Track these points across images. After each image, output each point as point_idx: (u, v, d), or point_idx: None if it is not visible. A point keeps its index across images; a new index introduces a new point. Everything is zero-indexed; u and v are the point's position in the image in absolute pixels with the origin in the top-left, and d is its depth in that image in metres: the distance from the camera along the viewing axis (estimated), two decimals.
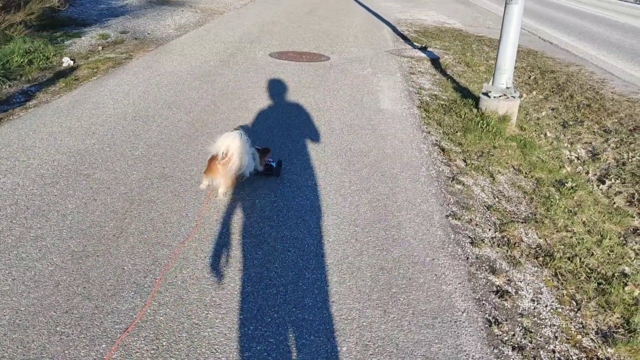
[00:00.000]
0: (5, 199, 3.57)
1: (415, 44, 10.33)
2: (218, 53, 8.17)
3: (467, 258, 3.28)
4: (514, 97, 5.91)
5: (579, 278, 3.27)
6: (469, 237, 3.53)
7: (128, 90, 6.01)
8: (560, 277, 3.26)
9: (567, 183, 4.67)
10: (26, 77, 6.42)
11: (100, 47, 8.19)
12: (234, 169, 3.57)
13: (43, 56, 7.14)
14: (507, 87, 5.93)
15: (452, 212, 3.83)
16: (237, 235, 3.31)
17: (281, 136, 4.99)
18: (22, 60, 6.78)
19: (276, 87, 6.55)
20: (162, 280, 2.83)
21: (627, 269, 3.48)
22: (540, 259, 3.43)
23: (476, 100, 6.24)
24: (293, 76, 7.12)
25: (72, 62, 7.17)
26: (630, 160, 5.39)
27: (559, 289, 3.16)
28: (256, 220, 3.50)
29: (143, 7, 11.75)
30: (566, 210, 4.16)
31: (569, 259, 3.47)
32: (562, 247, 3.62)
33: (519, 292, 3.04)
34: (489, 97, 5.97)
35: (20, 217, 3.36)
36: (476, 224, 3.72)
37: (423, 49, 9.79)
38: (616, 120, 6.46)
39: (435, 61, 8.86)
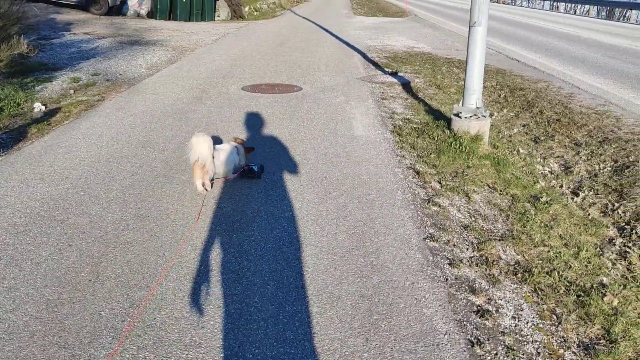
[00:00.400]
0: None
1: (386, 69, 10.49)
2: (191, 90, 8.21)
3: (447, 279, 3.29)
4: (485, 117, 6.01)
5: (558, 292, 3.30)
6: (448, 258, 3.55)
7: (101, 133, 5.99)
8: (539, 292, 3.28)
9: (541, 198, 4.74)
10: None
11: (72, 91, 8.17)
12: (210, 173, 4.35)
13: (14, 103, 7.09)
14: (477, 107, 6.04)
15: (430, 234, 3.85)
16: (215, 272, 3.29)
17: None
18: None
19: (250, 121, 6.58)
20: (141, 322, 2.79)
21: (605, 279, 3.52)
22: (519, 275, 3.45)
23: (448, 122, 6.33)
24: (266, 108, 7.17)
25: (43, 108, 7.13)
26: (601, 171, 5.49)
27: (539, 304, 3.17)
28: (234, 255, 3.48)
29: (114, 48, 11.79)
30: (542, 224, 4.21)
31: (547, 273, 3.50)
32: (540, 262, 3.65)
33: (500, 310, 3.05)
34: (460, 117, 6.06)
35: None
36: (454, 245, 3.74)
37: (394, 74, 9.94)
38: (586, 133, 6.59)
39: (406, 85, 9.00)
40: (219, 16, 21.65)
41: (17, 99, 7.22)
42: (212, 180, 4.50)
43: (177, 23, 18.23)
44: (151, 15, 18.60)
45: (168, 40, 13.59)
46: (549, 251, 3.81)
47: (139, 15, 18.59)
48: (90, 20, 16.21)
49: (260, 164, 4.85)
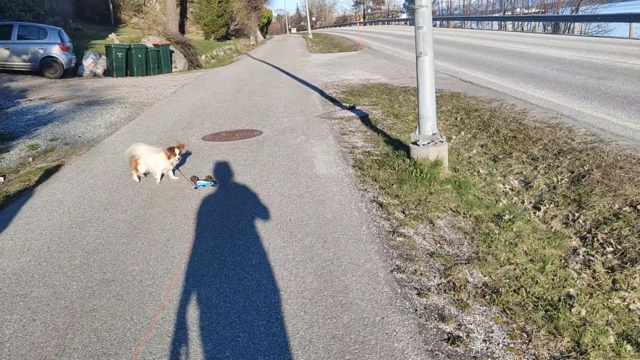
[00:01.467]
0: None
1: (344, 104, 10.65)
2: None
3: (416, 310, 3.30)
4: (442, 142, 6.14)
5: (527, 309, 3.34)
6: (416, 288, 3.57)
7: (62, 199, 5.92)
8: (508, 312, 3.32)
9: (504, 216, 4.82)
10: None
11: (30, 159, 8.08)
12: (142, 168, 6.13)
13: None
14: (433, 134, 6.16)
15: (396, 266, 3.88)
16: (184, 330, 3.24)
17: (221, 218, 4.99)
18: None
19: (213, 170, 6.59)
20: None
21: (571, 291, 3.58)
22: (487, 297, 3.49)
23: (407, 151, 6.44)
24: (228, 156, 7.19)
25: (2, 179, 7.03)
26: (560, 183, 5.63)
27: (508, 324, 3.21)
28: (203, 311, 3.45)
29: (72, 111, 11.73)
30: (507, 243, 4.28)
31: (514, 291, 3.54)
32: (507, 280, 3.70)
33: (470, 335, 3.07)
34: (418, 145, 6.17)
35: None
36: (421, 274, 3.77)
37: (352, 108, 10.10)
38: (541, 147, 6.76)
39: (364, 118, 9.14)
40: (176, 67, 21.80)
41: None
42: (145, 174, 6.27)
43: (135, 79, 18.29)
44: (107, 73, 18.64)
45: (126, 97, 13.59)
46: (515, 269, 3.86)
47: (95, 75, 18.60)
48: (45, 84, 16.13)
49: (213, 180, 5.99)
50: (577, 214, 4.86)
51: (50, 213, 5.50)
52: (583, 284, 3.69)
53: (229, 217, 5.02)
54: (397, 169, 6.08)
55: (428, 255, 4.06)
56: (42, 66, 17.26)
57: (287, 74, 17.46)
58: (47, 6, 23.94)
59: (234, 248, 4.34)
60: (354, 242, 4.29)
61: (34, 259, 4.43)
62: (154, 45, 20.44)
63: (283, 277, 3.80)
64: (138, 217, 5.20)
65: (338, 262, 3.96)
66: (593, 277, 3.79)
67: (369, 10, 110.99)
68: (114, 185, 6.27)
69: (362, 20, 79.51)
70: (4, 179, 7.06)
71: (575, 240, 4.46)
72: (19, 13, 20.44)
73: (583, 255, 4.13)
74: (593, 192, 5.16)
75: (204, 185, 5.81)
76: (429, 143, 6.14)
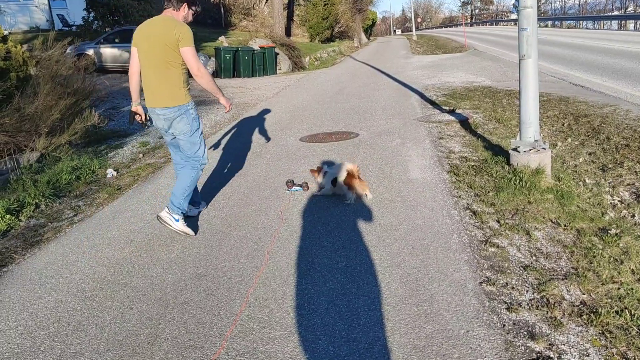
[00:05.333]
0: (48, 317, 3.70)
1: (443, 107, 10.42)
2: (251, 144, 8.46)
3: (504, 325, 3.15)
4: (544, 149, 5.82)
5: (630, 333, 3.08)
6: (505, 302, 3.41)
7: (165, 194, 6.25)
8: (608, 335, 3.07)
9: (611, 230, 4.49)
10: (74, 192, 6.77)
11: (140, 155, 8.61)
12: None
13: (89, 170, 7.55)
14: (535, 140, 5.87)
15: (486, 277, 3.72)
16: (267, 329, 3.30)
17: (310, 220, 5.04)
18: (70, 177, 7.17)
19: (307, 171, 6.67)
20: None
21: None
22: (585, 316, 3.25)
23: (507, 157, 6.17)
24: (323, 157, 7.26)
25: (115, 173, 7.54)
26: None
27: (607, 348, 2.97)
28: (287, 311, 3.49)
29: None
30: (611, 259, 3.97)
31: (617, 313, 3.28)
32: (609, 300, 3.43)
33: (562, 357, 2.87)
34: (519, 152, 5.90)
35: (62, 334, 3.47)
36: (512, 287, 3.59)
37: (452, 112, 9.85)
38: None
39: (464, 122, 8.89)
40: (280, 69, 22.39)
41: (93, 167, 7.68)
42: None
43: (241, 80, 18.97)
44: (216, 74, 19.44)
45: (231, 97, 14.13)
46: (619, 288, 3.58)
47: None
48: None
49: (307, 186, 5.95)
50: None
51: (154, 207, 5.82)
52: None
53: (319, 218, 5.06)
54: (494, 176, 5.84)
55: (521, 268, 3.86)
56: None
57: (388, 75, 17.36)
58: None
59: (321, 250, 4.37)
60: (444, 250, 4.17)
61: (135, 250, 4.71)
62: (260, 47, 21.11)
63: (368, 282, 3.77)
64: (233, 214, 5.38)
65: (425, 270, 3.87)
66: None
67: (477, 11, 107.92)
68: (214, 183, 6.53)
69: (468, 21, 77.44)
70: (117, 173, 7.56)
71: None
72: (139, 18, 21.89)
73: None
74: None
75: (297, 190, 5.92)
76: (530, 150, 5.84)
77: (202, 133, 5.04)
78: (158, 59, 4.64)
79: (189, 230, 4.91)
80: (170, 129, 4.90)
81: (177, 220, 4.88)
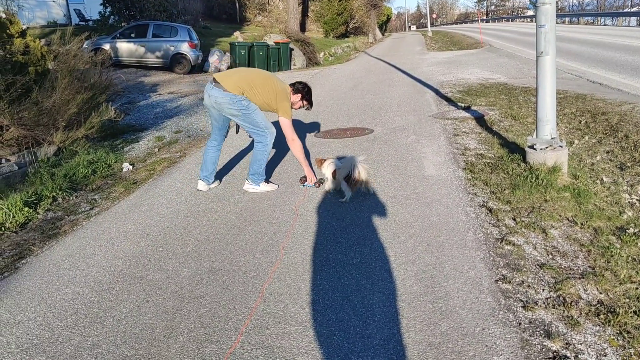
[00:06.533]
0: (66, 309, 3.75)
1: (459, 104, 10.36)
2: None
3: (520, 324, 3.13)
4: (561, 147, 5.77)
5: None
6: (521, 300, 3.39)
7: (181, 189, 6.29)
8: (626, 335, 3.05)
9: (629, 229, 4.44)
10: (90, 186, 6.84)
11: (156, 149, 8.67)
12: None
13: (105, 164, 7.62)
14: (552, 138, 5.81)
15: (502, 275, 3.70)
16: (282, 324, 3.32)
17: (325, 215, 5.05)
18: (86, 171, 7.24)
19: None
20: None
21: None
22: (602, 316, 3.23)
23: (523, 154, 6.13)
24: (337, 153, 7.26)
25: (131, 167, 7.60)
26: None
27: (625, 348, 2.94)
28: (302, 306, 3.50)
29: (196, 105, 12.43)
30: (629, 259, 3.93)
31: (635, 313, 3.24)
32: (627, 300, 3.40)
33: (579, 356, 2.85)
34: (535, 149, 5.85)
35: (79, 325, 3.51)
36: (528, 286, 3.57)
37: (467, 109, 9.79)
38: None
39: (480, 119, 8.83)
40: (294, 65, 22.38)
41: (108, 161, 7.75)
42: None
43: None
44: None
45: None
46: (637, 288, 3.54)
47: (219, 71, 19.53)
48: (174, 79, 17.24)
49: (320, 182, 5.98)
50: None
51: (169, 202, 5.86)
52: None
53: (333, 214, 5.06)
54: (510, 173, 5.80)
55: (538, 267, 3.84)
56: (172, 62, 18.46)
57: (403, 71, 17.30)
58: (179, 6, 25.56)
59: (336, 245, 4.37)
60: (459, 247, 4.15)
61: (152, 244, 4.75)
62: (274, 43, 21.12)
63: (383, 278, 3.77)
64: (248, 209, 5.40)
65: (440, 267, 3.86)
66: None
67: (492, 7, 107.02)
68: (230, 178, 6.56)
69: (483, 18, 76.80)
70: (133, 167, 7.63)
71: None
72: (154, 13, 22.03)
73: None
74: None
75: (311, 187, 5.95)
76: (546, 147, 5.80)
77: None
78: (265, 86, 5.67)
79: (273, 186, 6.01)
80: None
81: (259, 185, 5.93)
